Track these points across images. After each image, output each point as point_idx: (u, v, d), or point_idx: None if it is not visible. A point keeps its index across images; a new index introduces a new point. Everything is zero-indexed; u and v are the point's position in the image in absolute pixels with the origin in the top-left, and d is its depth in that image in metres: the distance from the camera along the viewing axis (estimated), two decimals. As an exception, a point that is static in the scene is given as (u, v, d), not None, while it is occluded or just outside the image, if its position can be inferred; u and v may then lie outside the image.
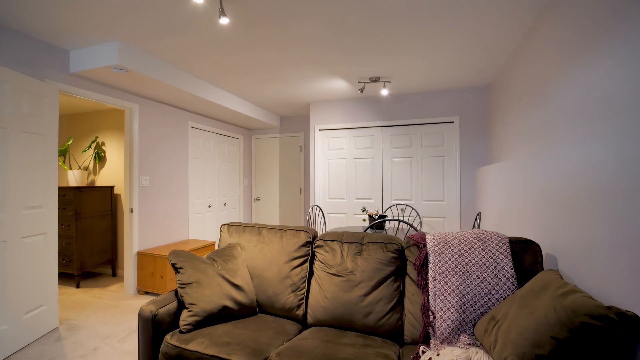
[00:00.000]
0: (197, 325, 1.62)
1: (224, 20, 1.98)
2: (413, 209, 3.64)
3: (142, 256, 3.40)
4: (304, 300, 1.92)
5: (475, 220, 2.85)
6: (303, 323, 1.92)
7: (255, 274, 1.99)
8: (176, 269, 1.74)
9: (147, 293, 3.44)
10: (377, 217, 2.88)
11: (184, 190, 4.13)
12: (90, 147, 4.09)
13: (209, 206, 4.67)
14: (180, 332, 1.60)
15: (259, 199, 5.69)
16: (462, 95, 3.86)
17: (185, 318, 1.61)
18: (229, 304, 1.74)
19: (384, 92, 3.53)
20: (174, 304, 1.71)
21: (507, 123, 2.91)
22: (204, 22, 2.29)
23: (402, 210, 4.02)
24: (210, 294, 1.69)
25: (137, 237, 3.43)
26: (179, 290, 1.69)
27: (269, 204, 5.61)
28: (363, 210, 3.00)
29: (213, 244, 3.96)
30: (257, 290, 1.96)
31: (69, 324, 2.72)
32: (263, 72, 3.31)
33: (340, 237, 1.99)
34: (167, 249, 3.49)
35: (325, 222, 3.57)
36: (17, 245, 2.30)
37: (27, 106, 2.37)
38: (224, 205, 5.03)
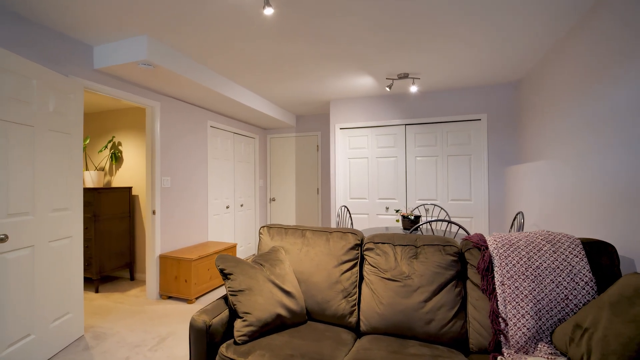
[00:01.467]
0: (252, 336, 1.51)
1: (269, 11, 1.87)
2: (442, 209, 3.54)
3: (164, 259, 3.28)
4: (357, 307, 1.81)
5: (514, 219, 2.74)
6: (356, 331, 1.81)
7: (303, 278, 1.88)
8: (225, 275, 1.63)
9: (170, 298, 3.32)
10: (412, 217, 2.77)
11: (203, 191, 4.02)
12: (106, 147, 3.97)
13: (227, 207, 4.56)
14: (236, 343, 1.48)
15: (274, 200, 5.58)
16: (490, 92, 3.76)
17: (240, 328, 1.50)
18: (282, 312, 1.63)
19: (413, 89, 3.42)
20: (226, 312, 1.59)
21: (546, 119, 2.81)
22: (242, 13, 2.18)
23: (427, 210, 3.91)
24: (263, 302, 1.58)
25: (159, 240, 3.31)
26: (231, 297, 1.58)
27: (285, 204, 5.50)
28: (397, 211, 2.89)
29: (234, 247, 3.84)
30: (305, 296, 1.85)
31: (95, 331, 2.60)
32: (289, 68, 3.20)
33: (392, 239, 1.89)
34: (189, 252, 3.37)
35: (352, 223, 3.46)
36: (45, 250, 2.18)
37: (53, 103, 2.26)
38: (241, 206, 4.92)
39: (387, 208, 4.21)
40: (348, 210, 3.51)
